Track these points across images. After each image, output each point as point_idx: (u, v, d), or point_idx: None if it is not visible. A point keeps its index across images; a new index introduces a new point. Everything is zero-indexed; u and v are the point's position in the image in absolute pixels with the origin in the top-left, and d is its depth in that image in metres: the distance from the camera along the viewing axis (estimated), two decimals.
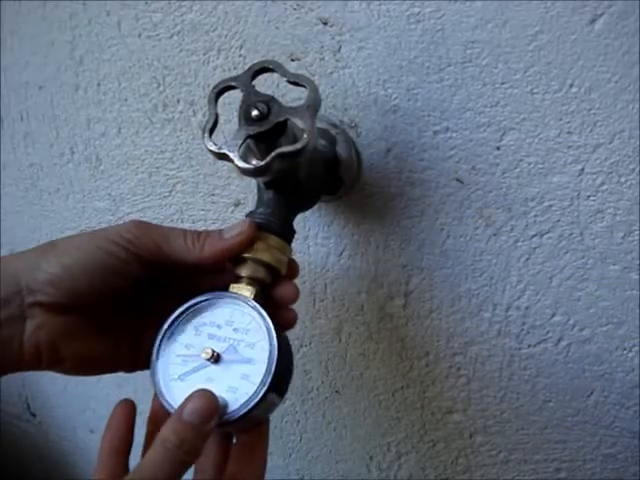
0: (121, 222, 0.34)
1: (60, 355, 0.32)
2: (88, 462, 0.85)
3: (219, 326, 0.34)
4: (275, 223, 0.36)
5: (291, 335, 0.53)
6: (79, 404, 0.77)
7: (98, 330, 0.34)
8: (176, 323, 0.34)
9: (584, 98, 0.35)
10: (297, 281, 0.50)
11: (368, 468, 0.58)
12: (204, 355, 0.32)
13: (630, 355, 0.42)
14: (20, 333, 0.31)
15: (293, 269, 0.38)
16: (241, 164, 0.33)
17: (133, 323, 0.36)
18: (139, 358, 0.35)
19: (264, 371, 0.32)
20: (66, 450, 0.86)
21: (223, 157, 0.34)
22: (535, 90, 0.36)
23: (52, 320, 0.32)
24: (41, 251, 0.33)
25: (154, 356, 0.33)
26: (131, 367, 0.36)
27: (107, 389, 0.71)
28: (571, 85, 0.35)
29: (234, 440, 0.34)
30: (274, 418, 0.60)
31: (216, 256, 0.34)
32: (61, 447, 0.86)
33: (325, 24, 0.40)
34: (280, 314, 0.36)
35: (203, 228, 0.37)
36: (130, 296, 0.35)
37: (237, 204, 0.50)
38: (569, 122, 0.36)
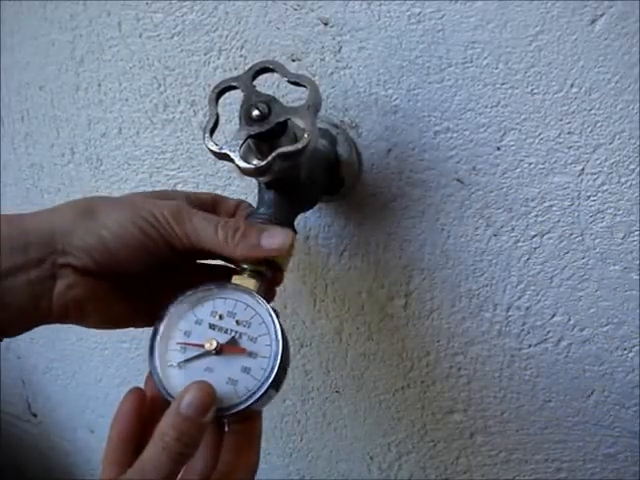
0: None
1: (85, 312, 0.34)
2: (88, 462, 0.85)
3: (221, 317, 0.34)
4: (276, 223, 0.36)
5: (291, 335, 0.53)
6: (80, 404, 0.77)
7: (121, 294, 0.35)
8: (177, 310, 0.34)
9: (584, 98, 0.36)
10: (298, 281, 0.50)
11: (369, 468, 0.58)
12: (208, 346, 0.32)
13: (630, 355, 0.42)
14: (50, 290, 0.33)
15: None
16: (242, 164, 0.33)
17: (153, 289, 0.37)
18: (153, 317, 0.36)
19: (267, 367, 0.32)
20: (66, 450, 0.86)
21: (224, 157, 0.34)
22: (535, 90, 0.36)
23: (81, 281, 0.33)
24: (78, 214, 0.34)
25: (152, 341, 0.33)
26: (144, 324, 0.37)
27: (107, 389, 0.71)
28: (571, 85, 0.35)
29: (226, 428, 0.34)
30: (274, 418, 0.60)
31: (247, 259, 0.34)
32: (61, 447, 0.87)
33: (326, 24, 0.40)
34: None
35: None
36: (156, 270, 0.36)
37: None
38: (569, 122, 0.36)
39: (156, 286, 0.37)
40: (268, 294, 0.37)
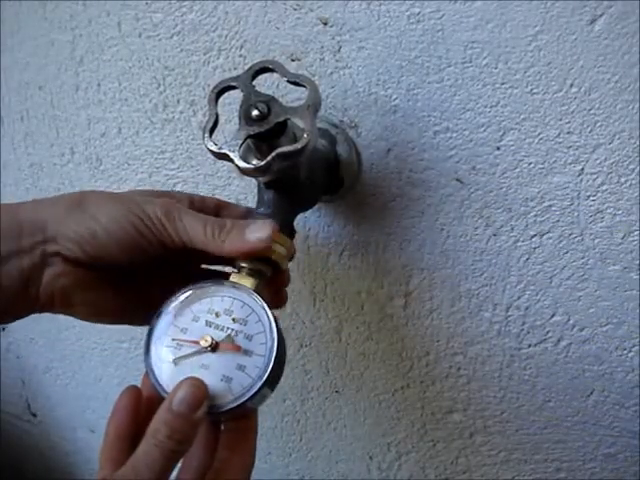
0: None
1: (71, 302, 0.34)
2: (89, 462, 0.85)
3: (217, 314, 0.34)
4: (275, 223, 0.36)
5: (291, 335, 0.53)
6: (80, 404, 0.77)
7: (110, 286, 0.35)
8: (174, 307, 0.34)
9: (584, 98, 0.36)
10: (297, 281, 0.50)
11: (368, 468, 0.58)
12: (203, 343, 0.32)
13: (630, 355, 0.42)
14: (39, 278, 0.33)
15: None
16: (241, 164, 0.33)
17: (143, 285, 0.37)
18: (145, 315, 0.36)
19: (262, 365, 0.32)
20: (66, 450, 0.86)
21: (223, 157, 0.34)
22: (535, 90, 0.36)
23: (70, 271, 0.33)
24: (71, 206, 0.34)
25: (149, 337, 0.33)
26: (138, 322, 0.37)
27: (107, 389, 0.71)
28: (571, 85, 0.35)
29: (222, 427, 0.34)
30: (274, 418, 0.60)
31: (234, 254, 0.34)
32: (61, 447, 0.87)
33: (325, 24, 0.40)
34: (271, 297, 0.36)
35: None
36: (146, 265, 0.35)
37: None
38: (569, 122, 0.36)
39: (146, 282, 0.37)
40: (277, 296, 0.37)
